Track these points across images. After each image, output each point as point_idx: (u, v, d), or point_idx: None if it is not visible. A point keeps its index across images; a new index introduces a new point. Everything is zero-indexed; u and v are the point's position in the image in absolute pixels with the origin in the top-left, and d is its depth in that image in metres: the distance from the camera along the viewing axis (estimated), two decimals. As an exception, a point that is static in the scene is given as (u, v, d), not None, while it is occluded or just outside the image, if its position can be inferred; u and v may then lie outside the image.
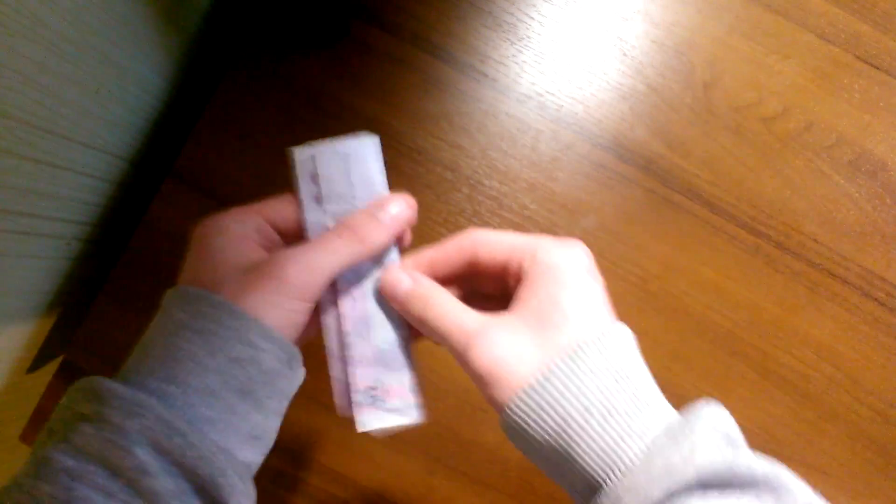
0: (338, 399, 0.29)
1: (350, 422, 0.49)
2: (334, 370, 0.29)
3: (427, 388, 0.50)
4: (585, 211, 0.48)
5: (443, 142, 0.48)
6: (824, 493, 0.53)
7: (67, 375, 0.46)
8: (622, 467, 0.23)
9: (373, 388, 0.29)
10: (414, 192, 0.48)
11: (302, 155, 0.30)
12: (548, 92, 0.49)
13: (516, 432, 0.26)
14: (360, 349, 0.29)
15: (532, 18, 0.49)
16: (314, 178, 0.30)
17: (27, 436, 0.46)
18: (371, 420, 0.29)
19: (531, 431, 0.25)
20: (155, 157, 0.51)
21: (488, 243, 0.29)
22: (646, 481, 0.22)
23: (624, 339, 0.26)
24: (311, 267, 0.27)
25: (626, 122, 0.49)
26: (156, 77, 0.48)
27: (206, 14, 0.52)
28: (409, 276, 0.29)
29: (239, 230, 0.28)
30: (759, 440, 0.48)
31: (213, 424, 0.24)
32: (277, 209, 0.30)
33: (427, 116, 0.48)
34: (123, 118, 0.45)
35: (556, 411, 0.24)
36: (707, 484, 0.22)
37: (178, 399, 0.24)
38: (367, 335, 0.30)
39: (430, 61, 0.49)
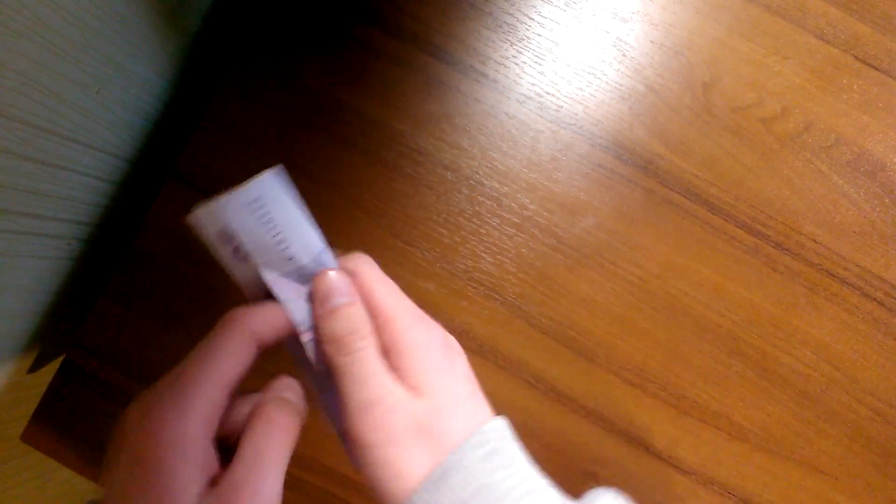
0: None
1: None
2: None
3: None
4: (584, 211, 0.49)
5: (443, 142, 0.48)
6: (823, 493, 0.53)
7: (68, 375, 0.46)
8: None
9: None
10: (415, 192, 0.48)
11: (203, 216, 0.26)
12: (547, 93, 0.49)
13: None
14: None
15: (532, 19, 0.49)
16: (226, 233, 0.26)
17: (28, 436, 0.46)
18: None
19: None
20: (156, 158, 0.51)
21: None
22: None
23: (494, 441, 0.25)
24: None
25: (625, 123, 0.49)
26: (157, 77, 0.48)
27: (207, 14, 0.52)
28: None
29: (197, 445, 0.23)
30: (759, 440, 0.48)
31: None
32: (224, 367, 0.24)
33: (428, 117, 0.48)
34: (124, 118, 0.45)
35: None
36: None
37: None
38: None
39: (430, 62, 0.49)
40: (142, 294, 0.47)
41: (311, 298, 0.27)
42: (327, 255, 0.28)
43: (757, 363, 0.48)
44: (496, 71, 0.49)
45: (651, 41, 0.50)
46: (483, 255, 0.48)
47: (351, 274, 0.28)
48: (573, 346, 0.48)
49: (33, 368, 0.47)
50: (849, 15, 0.50)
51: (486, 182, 0.48)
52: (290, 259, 0.27)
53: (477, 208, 0.48)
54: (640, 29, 0.50)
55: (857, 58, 0.50)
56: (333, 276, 0.27)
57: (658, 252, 0.49)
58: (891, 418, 0.48)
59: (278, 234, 0.26)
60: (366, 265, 0.28)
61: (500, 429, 0.26)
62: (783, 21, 0.50)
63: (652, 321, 0.48)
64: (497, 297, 0.48)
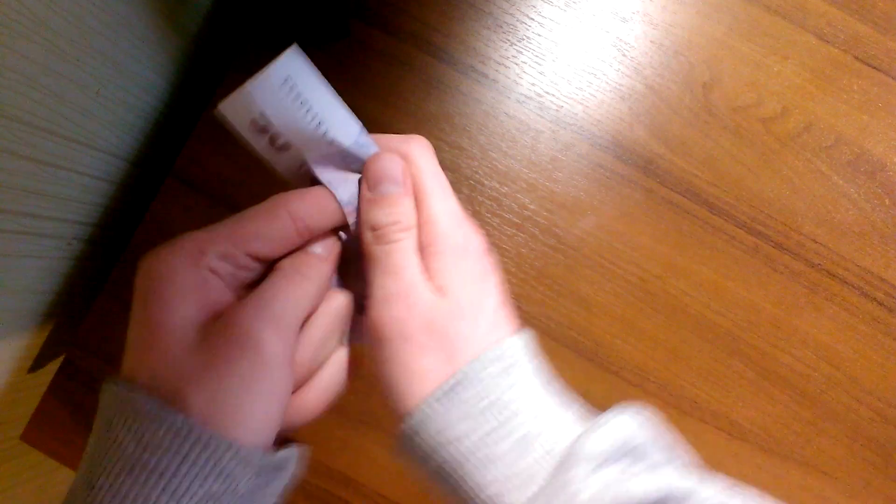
0: None
1: (351, 421, 0.49)
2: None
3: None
4: (585, 211, 0.49)
5: (443, 143, 0.48)
6: (823, 493, 0.53)
7: (68, 375, 0.46)
8: None
9: None
10: (414, 192, 0.48)
11: (233, 105, 0.24)
12: (547, 93, 0.49)
13: (408, 461, 0.25)
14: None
15: (532, 19, 0.49)
16: (259, 123, 0.24)
17: (28, 436, 0.46)
18: None
19: (418, 466, 0.24)
20: (156, 158, 0.51)
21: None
22: None
23: (512, 357, 0.24)
24: (283, 323, 0.22)
25: (625, 123, 0.49)
26: (157, 77, 0.48)
27: (207, 14, 0.52)
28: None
29: (191, 276, 0.22)
30: (758, 440, 0.48)
31: None
32: (251, 230, 0.23)
33: (428, 117, 0.48)
34: (124, 118, 0.45)
35: (433, 459, 0.23)
36: None
37: None
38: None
39: (430, 62, 0.49)
40: (142, 294, 0.47)
41: (360, 179, 0.26)
42: (366, 137, 0.26)
43: (757, 363, 0.48)
44: (496, 71, 0.49)
45: (651, 41, 0.50)
46: (483, 255, 0.48)
47: (404, 158, 0.26)
48: (573, 346, 0.48)
49: (33, 368, 0.47)
50: (849, 15, 0.50)
51: (486, 182, 0.48)
52: (331, 142, 0.25)
53: (477, 208, 0.48)
54: (640, 29, 0.50)
55: (857, 58, 0.50)
56: (388, 161, 0.25)
57: (658, 252, 0.49)
58: (891, 418, 0.48)
59: (314, 116, 0.24)
60: (421, 153, 0.26)
61: (520, 346, 0.25)
62: (783, 21, 0.50)
63: (652, 321, 0.48)
64: (497, 297, 0.48)
